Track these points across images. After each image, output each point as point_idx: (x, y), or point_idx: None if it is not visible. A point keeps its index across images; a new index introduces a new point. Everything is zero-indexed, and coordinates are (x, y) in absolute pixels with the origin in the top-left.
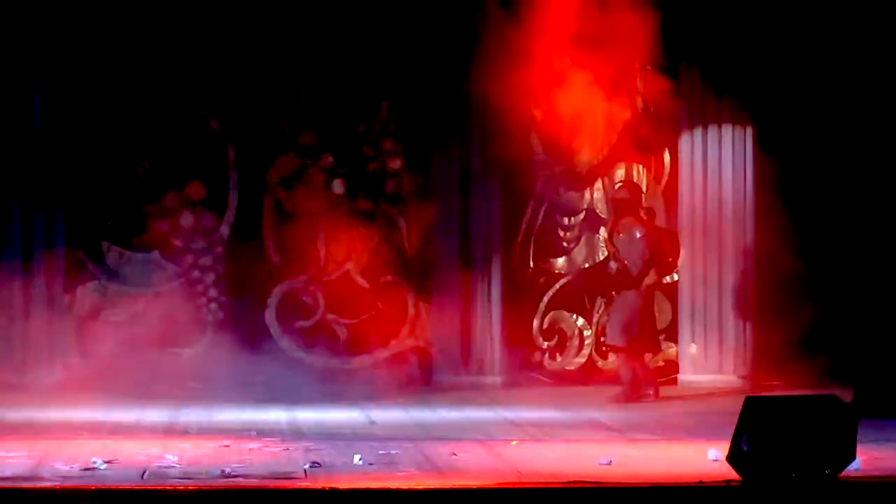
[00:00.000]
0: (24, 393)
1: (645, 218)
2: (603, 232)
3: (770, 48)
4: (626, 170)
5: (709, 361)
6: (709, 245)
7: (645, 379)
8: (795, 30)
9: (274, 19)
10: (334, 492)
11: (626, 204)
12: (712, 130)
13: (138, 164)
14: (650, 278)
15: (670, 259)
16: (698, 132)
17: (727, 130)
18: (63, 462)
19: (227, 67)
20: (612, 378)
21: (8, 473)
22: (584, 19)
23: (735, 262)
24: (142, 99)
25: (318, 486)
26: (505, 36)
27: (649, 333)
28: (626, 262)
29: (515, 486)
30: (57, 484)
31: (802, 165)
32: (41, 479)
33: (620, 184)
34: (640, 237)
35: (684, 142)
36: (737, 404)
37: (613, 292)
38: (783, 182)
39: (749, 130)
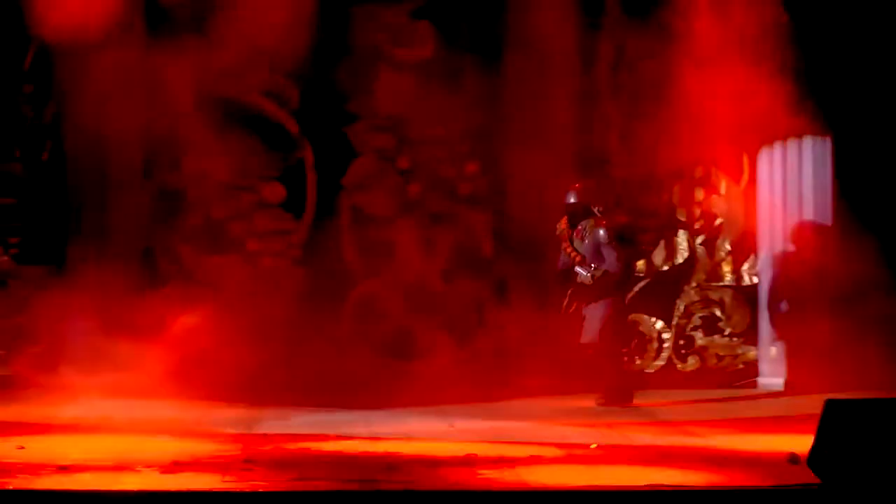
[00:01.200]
0: (103, 394)
1: (601, 216)
2: (682, 235)
3: (850, 57)
4: (705, 171)
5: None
6: (788, 249)
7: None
8: (875, 39)
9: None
10: (411, 493)
11: (577, 208)
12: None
13: (215, 167)
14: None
15: (643, 247)
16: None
17: (807, 137)
18: (143, 464)
19: (307, 68)
20: (692, 380)
21: (88, 475)
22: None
23: (814, 266)
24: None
25: (396, 486)
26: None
27: (622, 334)
28: (593, 265)
29: (591, 489)
30: (137, 486)
31: (881, 173)
32: (122, 480)
33: (570, 189)
34: (608, 239)
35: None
36: (816, 407)
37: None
38: (861, 188)
39: (828, 139)
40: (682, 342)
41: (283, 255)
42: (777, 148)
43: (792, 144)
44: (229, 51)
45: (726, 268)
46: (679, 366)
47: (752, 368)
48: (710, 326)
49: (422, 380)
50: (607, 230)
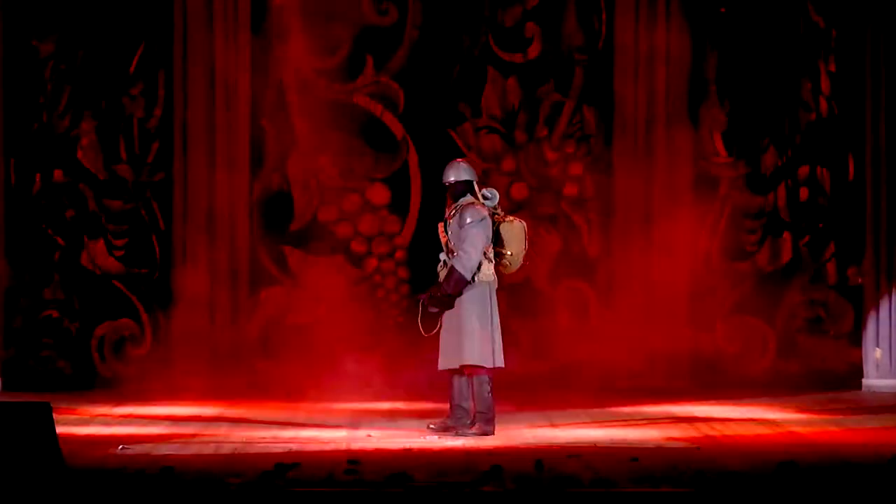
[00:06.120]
0: (209, 396)
1: (482, 202)
2: (787, 236)
3: None
4: (810, 171)
5: (894, 366)
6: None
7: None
8: None
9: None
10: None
11: (460, 186)
12: None
13: (320, 169)
14: (485, 275)
15: (508, 252)
16: (882, 135)
17: None
18: (247, 464)
19: (409, 71)
20: (797, 381)
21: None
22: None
23: None
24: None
25: (496, 488)
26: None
27: (486, 343)
28: (452, 255)
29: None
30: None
31: None
32: (230, 481)
33: (450, 165)
34: (469, 223)
35: (871, 143)
36: None
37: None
38: None
39: None
40: (786, 344)
41: (389, 257)
42: (881, 144)
43: None
44: (335, 52)
45: (831, 269)
46: (783, 366)
47: (857, 371)
48: (815, 328)
49: (525, 382)
50: (478, 215)
